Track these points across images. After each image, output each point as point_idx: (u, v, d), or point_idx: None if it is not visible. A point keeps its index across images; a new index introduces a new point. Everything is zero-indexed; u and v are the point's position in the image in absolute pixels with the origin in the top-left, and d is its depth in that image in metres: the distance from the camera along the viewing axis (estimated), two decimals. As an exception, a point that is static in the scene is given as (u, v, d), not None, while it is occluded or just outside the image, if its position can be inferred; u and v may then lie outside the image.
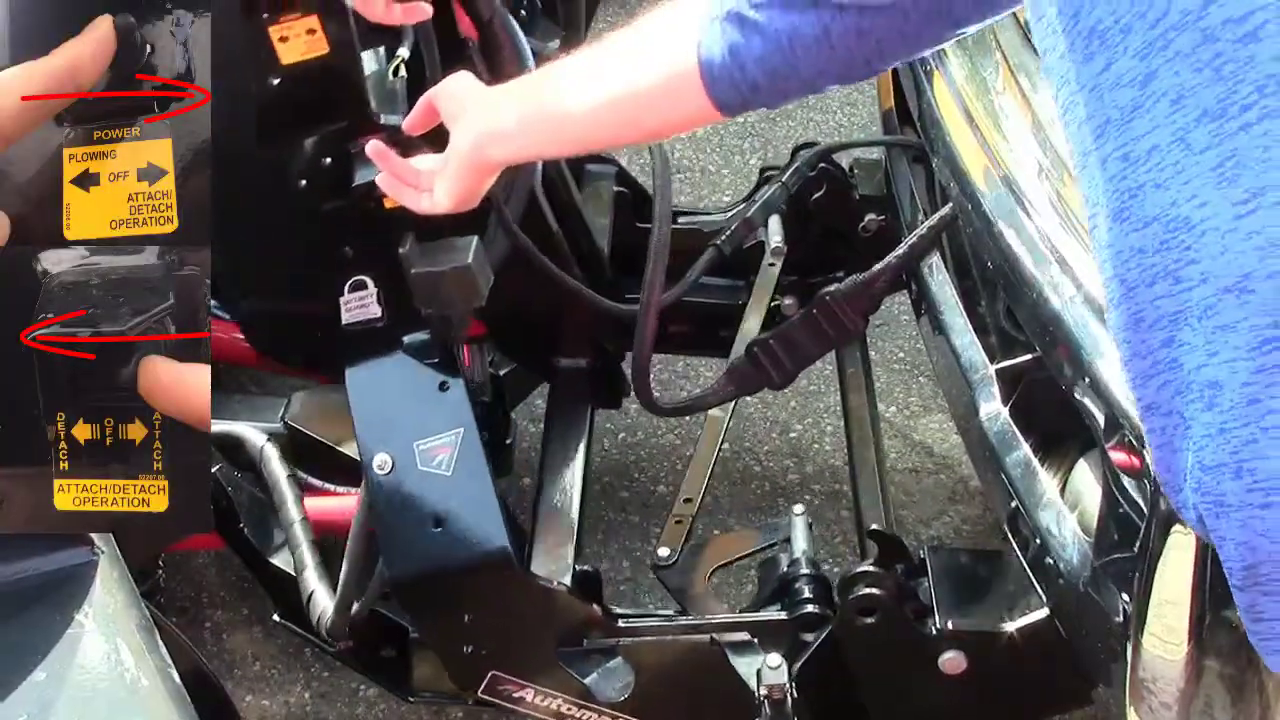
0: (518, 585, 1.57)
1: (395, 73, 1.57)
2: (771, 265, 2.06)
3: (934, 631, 1.55)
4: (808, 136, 3.07)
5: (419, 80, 1.57)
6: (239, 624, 2.20)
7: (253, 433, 1.77)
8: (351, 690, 2.08)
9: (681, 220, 2.22)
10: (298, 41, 1.44)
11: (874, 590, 1.54)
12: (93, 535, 1.06)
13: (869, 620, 1.55)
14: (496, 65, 1.63)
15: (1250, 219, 0.70)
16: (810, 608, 1.60)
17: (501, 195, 1.63)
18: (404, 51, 1.59)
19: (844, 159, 2.20)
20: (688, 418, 2.56)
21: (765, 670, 1.58)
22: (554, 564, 1.65)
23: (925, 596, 1.58)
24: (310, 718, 2.08)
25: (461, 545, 1.54)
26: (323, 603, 1.62)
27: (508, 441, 2.13)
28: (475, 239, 1.51)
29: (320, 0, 1.44)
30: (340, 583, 1.60)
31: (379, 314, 1.60)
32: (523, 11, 2.23)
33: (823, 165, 2.10)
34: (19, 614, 1.01)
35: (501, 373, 2.05)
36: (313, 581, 1.64)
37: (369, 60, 1.61)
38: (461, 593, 1.58)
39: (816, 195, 2.11)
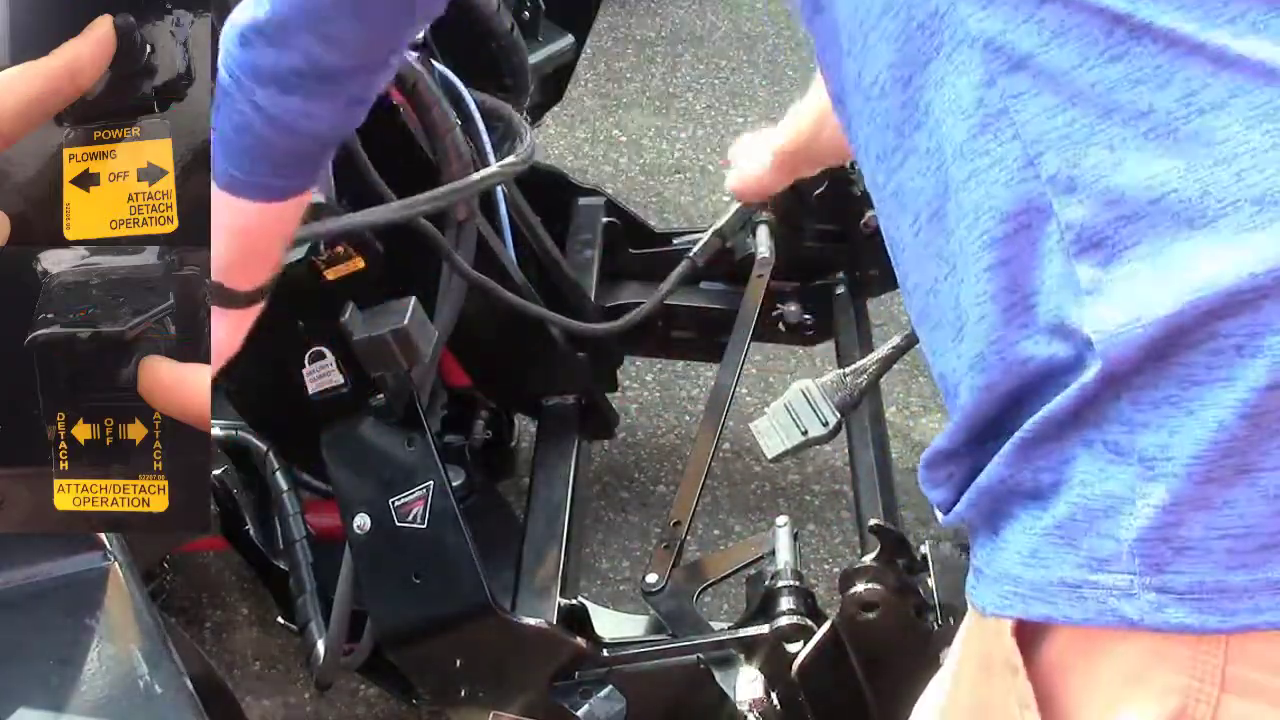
0: (501, 629, 1.61)
1: None
2: (760, 276, 2.07)
3: (935, 627, 1.55)
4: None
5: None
6: (239, 624, 2.20)
7: (256, 440, 1.78)
8: (351, 690, 2.09)
9: (676, 241, 2.25)
10: None
11: (875, 585, 1.54)
12: (104, 540, 1.06)
13: (870, 616, 1.55)
14: (428, 125, 1.71)
15: (926, 232, 0.84)
16: (789, 619, 1.61)
17: (451, 242, 1.68)
18: None
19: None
20: (689, 418, 2.57)
21: (740, 685, 1.60)
22: (541, 602, 1.69)
23: (927, 592, 1.58)
24: (310, 718, 2.08)
25: (441, 596, 1.60)
26: (315, 641, 1.69)
27: (511, 444, 2.16)
28: (413, 300, 1.57)
29: None
30: (330, 630, 1.65)
31: (342, 380, 1.67)
32: (526, 14, 2.24)
33: None
34: (31, 619, 1.02)
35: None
36: (309, 611, 1.70)
37: None
38: (448, 641, 1.62)
39: (818, 191, 2.12)
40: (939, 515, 0.89)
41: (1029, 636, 0.80)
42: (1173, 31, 0.73)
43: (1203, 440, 0.71)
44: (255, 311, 1.25)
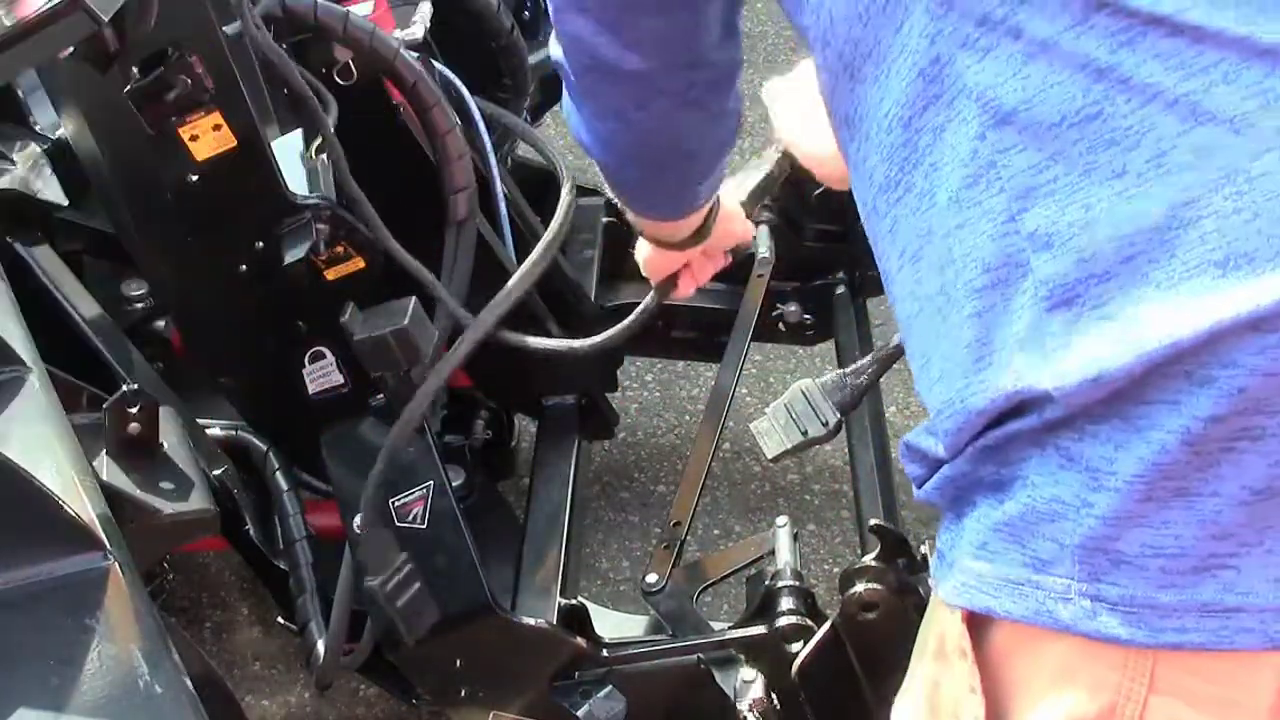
0: (502, 629, 1.61)
1: (318, 151, 1.61)
2: (760, 276, 2.06)
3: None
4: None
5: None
6: (239, 624, 2.20)
7: (256, 440, 1.78)
8: (351, 690, 2.09)
9: None
10: (207, 138, 1.51)
11: (875, 585, 1.54)
12: (104, 540, 1.06)
13: (870, 616, 1.55)
14: (428, 125, 1.71)
15: (907, 270, 0.86)
16: (790, 619, 1.61)
17: (451, 242, 1.69)
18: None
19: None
20: (689, 418, 2.57)
21: (740, 686, 1.60)
22: (540, 601, 1.69)
23: (927, 591, 1.58)
24: (310, 718, 2.08)
25: (441, 597, 1.59)
26: (315, 641, 1.68)
27: (511, 444, 2.16)
28: (413, 300, 1.57)
29: (220, 96, 1.49)
30: (330, 630, 1.66)
31: (342, 380, 1.67)
32: (526, 14, 2.24)
33: None
34: (31, 619, 1.01)
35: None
36: (309, 612, 1.69)
37: (292, 140, 1.67)
38: (448, 641, 1.62)
39: (818, 191, 2.11)
40: (913, 490, 0.91)
41: (979, 622, 0.84)
42: (1150, 85, 0.74)
43: (1145, 459, 0.73)
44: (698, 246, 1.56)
